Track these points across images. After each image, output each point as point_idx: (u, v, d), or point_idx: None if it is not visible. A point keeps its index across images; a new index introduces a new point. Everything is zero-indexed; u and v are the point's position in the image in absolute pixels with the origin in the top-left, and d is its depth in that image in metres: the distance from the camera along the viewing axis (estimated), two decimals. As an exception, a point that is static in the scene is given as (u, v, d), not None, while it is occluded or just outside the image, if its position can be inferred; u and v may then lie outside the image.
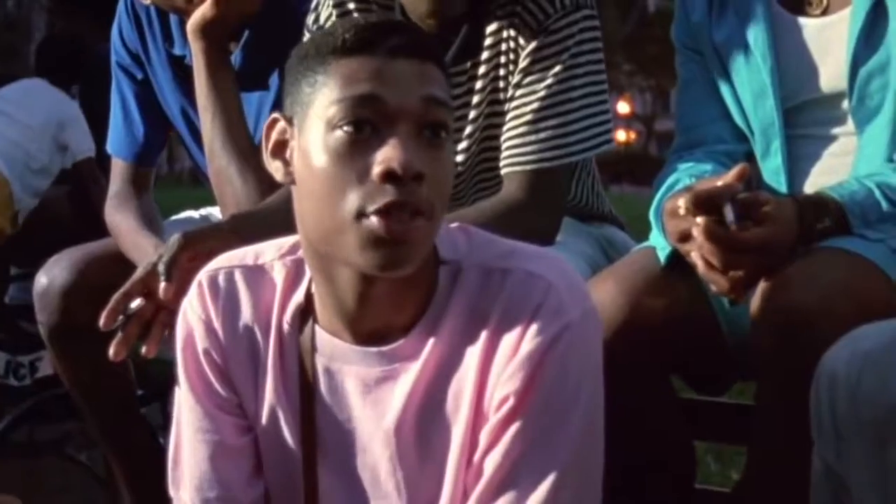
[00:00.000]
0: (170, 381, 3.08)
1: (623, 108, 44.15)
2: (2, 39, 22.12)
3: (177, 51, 2.35)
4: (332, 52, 1.36)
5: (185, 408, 1.54)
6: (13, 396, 3.87)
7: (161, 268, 1.69)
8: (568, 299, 1.39)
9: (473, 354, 1.40)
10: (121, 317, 1.72)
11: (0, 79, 5.65)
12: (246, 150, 2.05)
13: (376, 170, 1.31)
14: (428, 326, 1.42)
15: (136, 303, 1.73)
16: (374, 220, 1.31)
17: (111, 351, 1.71)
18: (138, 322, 1.72)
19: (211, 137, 2.10)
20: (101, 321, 1.71)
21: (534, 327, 1.37)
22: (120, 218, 2.27)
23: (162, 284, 1.69)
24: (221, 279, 1.52)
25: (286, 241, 1.53)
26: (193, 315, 1.52)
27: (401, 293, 1.41)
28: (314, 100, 1.36)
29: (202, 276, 1.53)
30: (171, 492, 1.56)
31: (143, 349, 1.73)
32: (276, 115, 1.44)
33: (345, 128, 1.33)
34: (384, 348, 1.43)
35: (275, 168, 1.44)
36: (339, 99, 1.33)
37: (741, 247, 1.67)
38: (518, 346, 1.37)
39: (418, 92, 1.34)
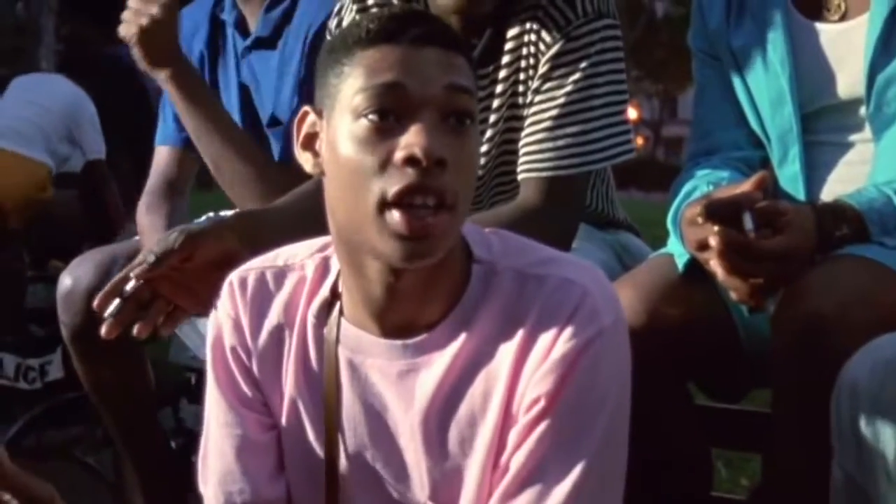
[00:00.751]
0: (181, 386, 3.11)
1: (630, 113, 43.95)
2: (10, 42, 22.16)
3: (223, 15, 2.41)
4: (357, 43, 1.38)
5: (211, 402, 1.56)
6: (23, 400, 3.86)
7: (151, 258, 1.70)
8: (602, 306, 1.40)
9: (506, 355, 1.41)
10: (117, 300, 1.72)
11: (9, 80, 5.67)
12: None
13: (398, 155, 1.33)
14: (457, 322, 1.43)
15: (131, 285, 1.73)
16: (395, 214, 1.32)
17: (103, 329, 1.70)
18: (133, 303, 1.71)
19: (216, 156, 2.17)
20: (95, 303, 1.71)
21: (568, 331, 1.38)
22: (149, 220, 2.28)
23: (145, 264, 1.70)
24: (251, 279, 1.54)
25: (317, 241, 1.55)
26: (223, 313, 1.55)
27: (429, 286, 1.41)
28: (341, 90, 1.38)
29: (233, 276, 1.56)
30: (200, 487, 1.58)
31: (135, 329, 1.72)
32: (306, 108, 1.46)
33: (369, 116, 1.35)
34: (409, 341, 1.44)
35: (305, 160, 1.46)
36: (364, 88, 1.35)
37: (760, 255, 1.67)
38: (551, 348, 1.38)
39: (442, 80, 1.36)
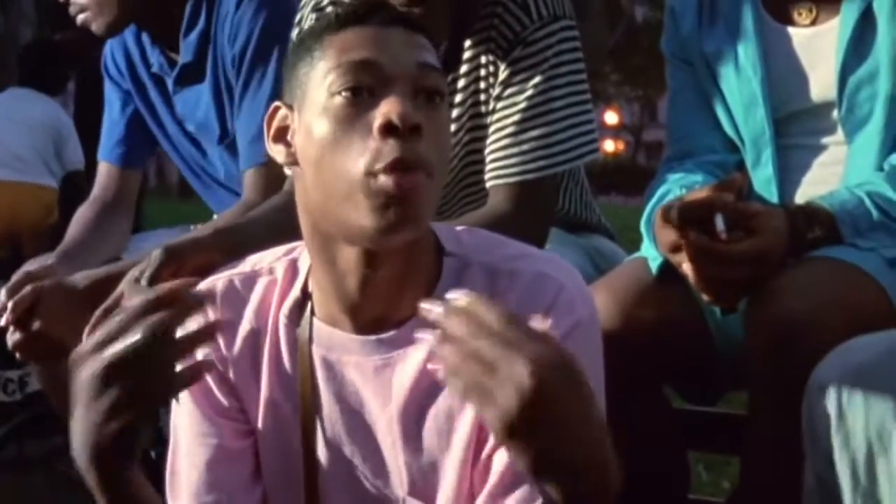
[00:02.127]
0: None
1: (611, 118, 44.20)
2: (-11, 53, 22.13)
3: (150, 60, 2.44)
4: (326, 29, 1.40)
5: (183, 414, 1.54)
6: (3, 412, 3.85)
7: (143, 283, 1.69)
8: (578, 299, 1.41)
9: None
10: None
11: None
12: None
13: (376, 123, 1.34)
14: None
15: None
16: (382, 178, 1.32)
17: None
18: None
19: None
20: (85, 334, 1.70)
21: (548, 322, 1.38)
22: (69, 229, 2.37)
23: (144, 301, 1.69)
24: (220, 286, 1.54)
25: (282, 247, 1.55)
26: (192, 324, 1.52)
27: (402, 277, 1.42)
28: (312, 76, 1.40)
29: (201, 286, 1.53)
30: (169, 502, 1.55)
31: None
32: (276, 103, 1.47)
33: (343, 93, 1.36)
34: (384, 335, 1.44)
35: (277, 152, 1.46)
36: (337, 65, 1.37)
37: (731, 261, 1.67)
38: None
39: (413, 57, 1.38)
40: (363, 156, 1.34)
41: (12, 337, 1.96)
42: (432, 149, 1.36)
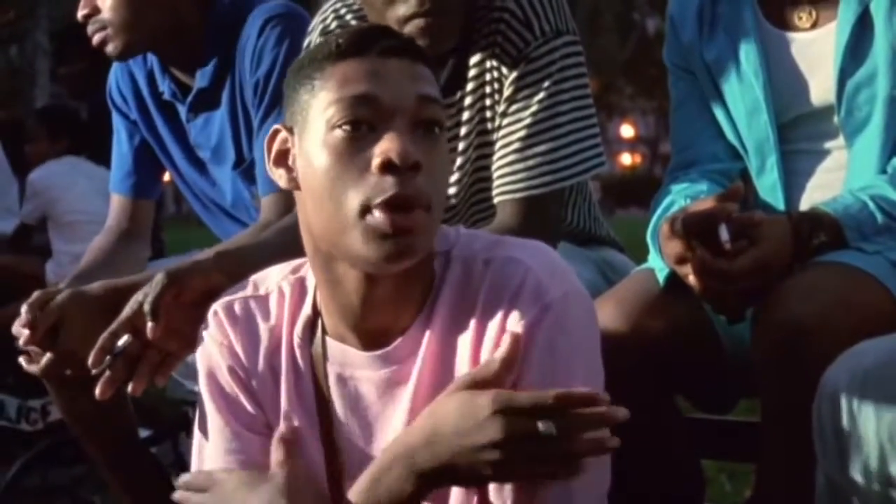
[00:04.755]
0: (179, 420, 3.11)
1: (627, 131, 44.16)
2: (6, 84, 22.27)
3: (159, 88, 2.43)
4: (327, 58, 1.42)
5: (211, 433, 1.56)
6: (26, 441, 3.87)
7: (147, 307, 1.70)
8: (547, 281, 1.41)
9: (465, 344, 1.44)
10: (108, 357, 1.71)
11: (5, 125, 5.70)
12: None
13: (375, 161, 1.36)
14: (423, 322, 1.46)
15: (123, 340, 1.72)
16: (377, 214, 1.36)
17: (97, 391, 1.70)
18: (126, 361, 1.71)
19: None
20: (90, 361, 1.71)
21: (515, 311, 1.40)
22: (84, 259, 2.39)
23: (149, 325, 1.70)
24: (237, 307, 1.57)
25: (288, 265, 1.58)
26: (213, 342, 1.57)
27: (403, 291, 1.45)
28: (313, 104, 1.42)
29: (217, 306, 1.59)
30: None
31: (130, 387, 1.72)
32: (277, 126, 1.50)
33: (343, 127, 1.39)
34: (388, 349, 1.47)
35: (278, 176, 1.49)
36: (337, 99, 1.39)
37: (735, 275, 1.69)
38: (502, 330, 1.41)
39: (412, 90, 1.40)
40: (360, 190, 1.37)
41: (31, 357, 1.92)
42: (431, 181, 1.39)
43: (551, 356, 1.40)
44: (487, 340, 1.42)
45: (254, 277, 1.60)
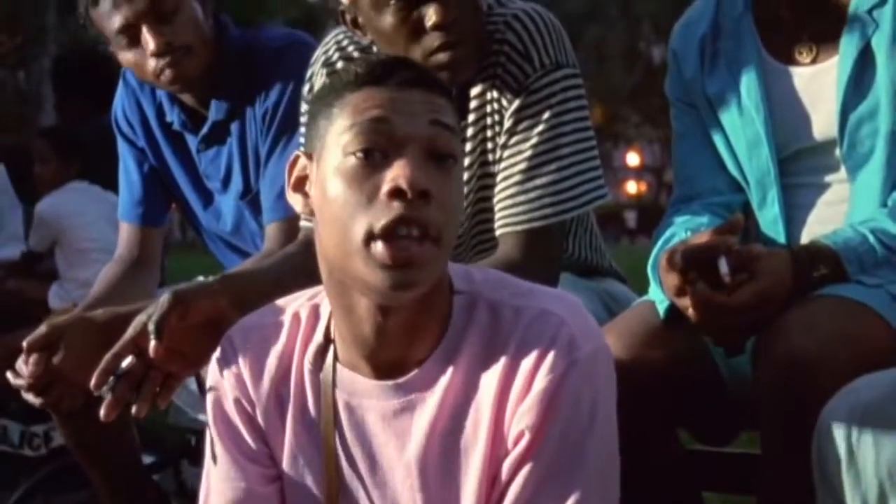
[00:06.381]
0: (182, 448, 3.11)
1: (633, 159, 44.17)
2: (13, 109, 22.38)
3: (167, 117, 2.44)
4: (346, 86, 1.45)
5: (214, 458, 1.58)
6: (29, 467, 3.87)
7: (151, 327, 1.71)
8: (579, 336, 1.44)
9: (490, 387, 1.45)
10: (111, 377, 1.71)
11: (11, 150, 5.72)
12: None
13: (385, 187, 1.38)
14: (443, 357, 1.47)
15: (126, 362, 1.73)
16: (379, 245, 1.37)
17: (101, 412, 1.69)
18: (129, 382, 1.71)
19: None
20: (92, 382, 1.71)
21: (547, 362, 1.42)
22: (96, 287, 2.41)
23: (152, 343, 1.71)
24: (248, 334, 1.58)
25: (306, 292, 1.60)
26: (223, 369, 1.58)
27: (416, 323, 1.46)
28: (329, 131, 1.44)
29: (232, 333, 1.60)
30: None
31: (134, 409, 1.71)
32: (297, 152, 1.52)
33: (357, 154, 1.40)
34: (400, 380, 1.48)
35: (296, 201, 1.52)
36: (352, 125, 1.41)
37: (734, 309, 1.69)
38: (532, 380, 1.42)
39: (426, 117, 1.42)
40: (367, 216, 1.38)
41: (21, 380, 1.92)
42: (441, 212, 1.40)
43: (576, 410, 1.42)
44: (515, 388, 1.44)
45: (275, 303, 1.61)
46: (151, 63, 2.28)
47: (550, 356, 1.42)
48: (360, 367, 1.50)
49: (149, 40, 2.26)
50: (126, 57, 2.33)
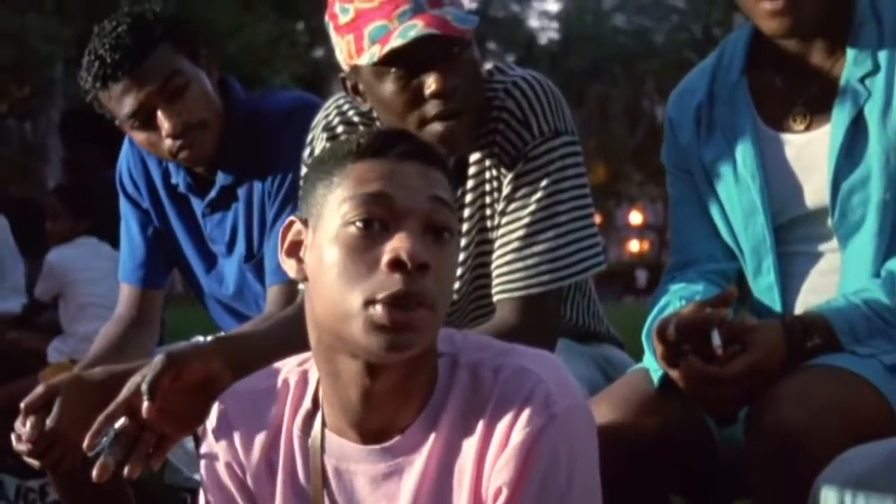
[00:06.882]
0: (177, 505, 3.09)
1: (635, 218, 44.24)
2: (19, 162, 22.48)
3: (172, 179, 2.45)
4: (346, 157, 1.47)
5: None
6: (25, 522, 3.86)
7: (144, 387, 1.72)
8: (555, 392, 1.45)
9: (470, 447, 1.47)
10: (104, 438, 1.72)
11: (17, 203, 5.75)
12: None
13: (385, 258, 1.40)
14: (427, 420, 1.49)
15: (119, 423, 1.73)
16: (379, 308, 1.39)
17: (94, 473, 1.69)
18: (122, 443, 1.72)
19: None
20: (85, 443, 1.72)
21: (523, 418, 1.43)
22: (94, 346, 2.42)
23: (145, 404, 1.71)
24: (240, 400, 1.60)
25: (296, 357, 1.61)
26: (215, 434, 1.60)
27: (403, 388, 1.47)
28: (329, 199, 1.46)
29: (223, 397, 1.62)
30: None
31: (126, 470, 1.72)
32: (292, 217, 1.54)
33: (357, 223, 1.43)
34: (387, 444, 1.49)
35: (289, 266, 1.53)
36: (352, 196, 1.43)
37: (726, 382, 1.70)
38: (508, 436, 1.44)
39: (425, 192, 1.44)
40: (367, 285, 1.40)
41: (23, 444, 1.93)
42: (437, 284, 1.42)
43: (553, 466, 1.43)
44: (493, 446, 1.45)
45: (266, 369, 1.62)
46: (167, 143, 2.31)
47: (527, 412, 1.43)
48: (347, 433, 1.51)
49: (164, 122, 2.28)
50: (139, 137, 2.35)
